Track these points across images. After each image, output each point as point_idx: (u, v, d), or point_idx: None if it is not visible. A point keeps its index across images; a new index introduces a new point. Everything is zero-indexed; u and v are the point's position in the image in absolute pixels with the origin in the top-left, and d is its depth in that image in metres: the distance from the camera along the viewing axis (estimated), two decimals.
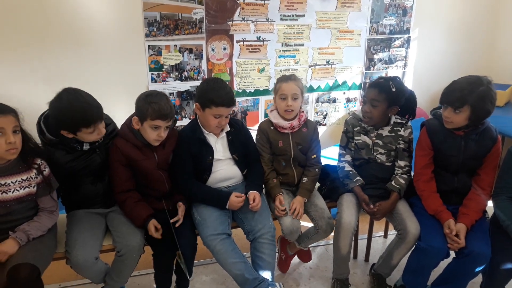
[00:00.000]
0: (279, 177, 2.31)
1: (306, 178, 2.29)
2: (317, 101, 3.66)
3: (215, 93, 2.02)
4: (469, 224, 2.00)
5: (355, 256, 2.71)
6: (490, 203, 2.10)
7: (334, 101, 3.71)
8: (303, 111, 2.30)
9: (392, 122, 2.25)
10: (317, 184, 2.45)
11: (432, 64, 3.87)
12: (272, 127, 2.28)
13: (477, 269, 1.97)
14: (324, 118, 3.73)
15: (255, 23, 3.25)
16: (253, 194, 2.11)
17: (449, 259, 2.06)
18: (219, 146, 2.17)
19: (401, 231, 2.13)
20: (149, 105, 1.91)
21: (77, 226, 1.94)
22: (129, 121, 2.03)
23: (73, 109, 1.76)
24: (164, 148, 2.08)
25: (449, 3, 3.75)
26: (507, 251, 1.95)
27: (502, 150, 2.13)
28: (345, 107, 3.76)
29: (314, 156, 2.32)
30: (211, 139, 2.16)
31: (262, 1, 3.20)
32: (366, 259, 2.70)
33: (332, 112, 3.74)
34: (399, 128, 2.24)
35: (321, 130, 3.69)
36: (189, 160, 2.11)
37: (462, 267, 2.00)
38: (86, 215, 2.00)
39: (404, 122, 2.26)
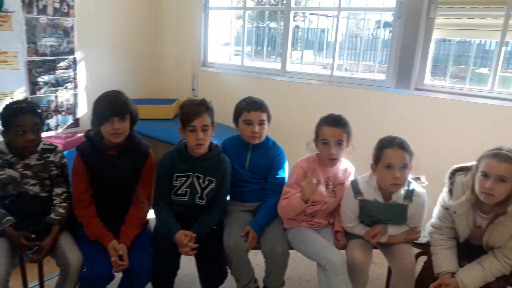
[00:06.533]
0: None
1: None
2: None
3: None
4: (129, 242, 2.02)
5: None
6: (150, 214, 2.19)
7: None
8: None
9: (39, 148, 2.05)
10: None
11: (103, 84, 3.81)
12: None
13: (143, 281, 2.02)
14: None
15: None
16: None
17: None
18: None
19: (63, 266, 1.94)
20: None
21: None
22: None
23: None
24: None
25: (109, 27, 3.84)
26: (166, 255, 2.08)
27: None
28: None
29: None
30: None
31: None
32: None
33: None
34: (49, 154, 2.07)
35: None
36: None
37: (129, 284, 2.01)
38: None
39: (54, 147, 2.11)
